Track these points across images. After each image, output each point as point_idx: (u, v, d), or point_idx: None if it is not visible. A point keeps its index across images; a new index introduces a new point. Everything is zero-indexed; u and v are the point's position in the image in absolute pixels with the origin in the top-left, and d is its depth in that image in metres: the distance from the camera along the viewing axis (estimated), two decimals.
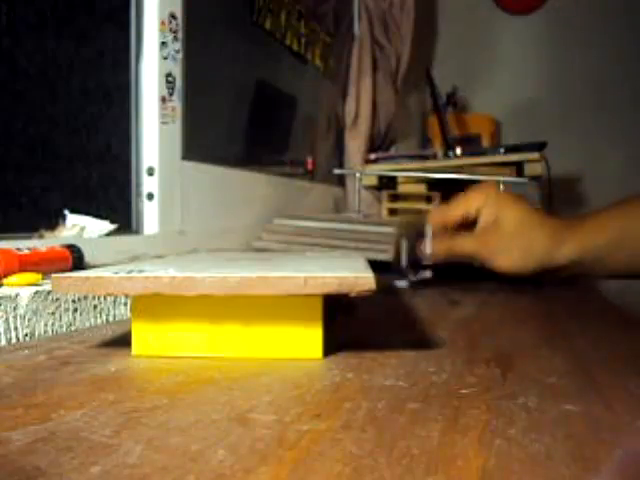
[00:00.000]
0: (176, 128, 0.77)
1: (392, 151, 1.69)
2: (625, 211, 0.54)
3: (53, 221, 0.60)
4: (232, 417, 0.23)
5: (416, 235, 0.61)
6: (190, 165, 0.80)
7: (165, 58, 0.74)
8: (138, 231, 0.73)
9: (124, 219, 0.71)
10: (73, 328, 0.44)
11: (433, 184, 1.24)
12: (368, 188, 1.39)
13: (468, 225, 0.60)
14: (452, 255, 0.59)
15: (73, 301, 0.45)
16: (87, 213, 0.63)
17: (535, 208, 0.61)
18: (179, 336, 0.33)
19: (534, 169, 1.21)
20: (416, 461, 0.19)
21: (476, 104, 2.14)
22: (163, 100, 0.74)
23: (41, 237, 0.58)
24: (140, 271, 0.32)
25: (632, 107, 1.99)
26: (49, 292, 0.42)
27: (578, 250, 0.53)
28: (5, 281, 0.43)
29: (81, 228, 0.61)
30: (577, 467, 0.18)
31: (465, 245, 0.58)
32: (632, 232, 0.53)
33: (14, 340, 0.40)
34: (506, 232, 0.56)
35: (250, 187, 0.99)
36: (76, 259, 0.51)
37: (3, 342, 0.39)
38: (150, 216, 0.74)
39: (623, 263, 0.54)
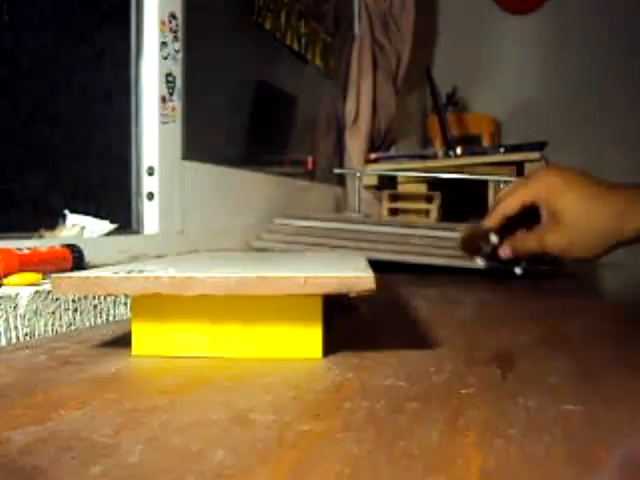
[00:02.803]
0: (176, 128, 0.77)
1: (392, 151, 1.69)
2: None
3: (53, 221, 0.60)
4: (232, 417, 0.23)
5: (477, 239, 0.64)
6: (190, 165, 0.80)
7: (165, 58, 0.74)
8: (138, 231, 0.73)
9: (124, 219, 0.71)
10: (73, 328, 0.44)
11: (434, 184, 1.24)
12: (368, 188, 1.39)
13: (529, 214, 0.60)
14: (520, 255, 0.61)
15: (73, 301, 0.45)
16: (87, 213, 0.63)
17: (597, 181, 0.59)
18: (179, 336, 0.33)
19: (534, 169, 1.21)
20: (416, 461, 0.19)
21: (476, 104, 2.14)
22: (163, 100, 0.74)
23: (41, 237, 0.58)
24: (140, 271, 0.32)
25: (632, 106, 1.99)
26: (49, 292, 0.42)
27: None
28: (5, 281, 0.43)
29: (81, 228, 0.61)
30: (577, 467, 0.18)
31: (530, 244, 0.59)
32: None
33: (14, 340, 0.40)
34: (569, 224, 0.55)
35: (250, 187, 0.99)
36: (76, 259, 0.51)
37: (3, 342, 0.39)
38: (150, 216, 0.74)
39: None
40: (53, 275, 0.32)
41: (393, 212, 1.25)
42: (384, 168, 1.31)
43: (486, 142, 1.89)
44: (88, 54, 0.67)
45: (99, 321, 0.47)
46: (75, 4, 0.65)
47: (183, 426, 0.22)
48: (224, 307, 0.33)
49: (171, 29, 0.75)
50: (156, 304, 0.33)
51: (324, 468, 0.18)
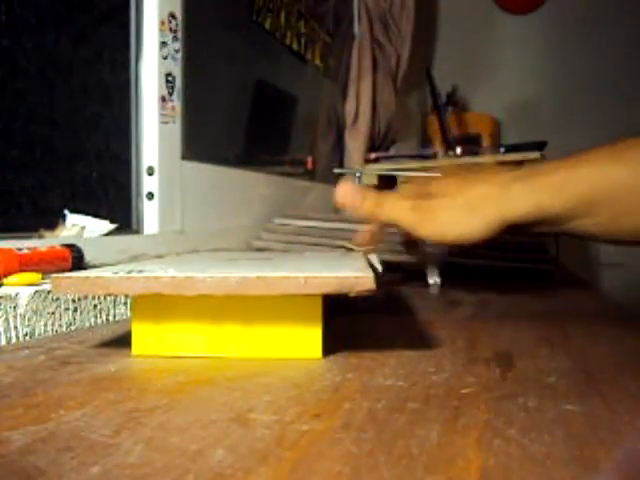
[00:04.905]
0: (176, 128, 0.77)
1: (392, 150, 1.69)
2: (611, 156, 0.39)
3: (53, 221, 0.60)
4: (232, 417, 0.23)
5: None
6: (190, 165, 0.80)
7: (165, 58, 0.74)
8: (138, 231, 0.73)
9: (124, 219, 0.71)
10: (73, 328, 0.44)
11: None
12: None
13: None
14: (377, 221, 0.49)
15: (73, 301, 0.45)
16: (87, 213, 0.63)
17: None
18: (179, 336, 0.33)
19: None
20: (416, 461, 0.19)
21: (476, 103, 2.14)
22: (163, 100, 0.74)
23: (41, 237, 0.58)
24: (140, 271, 0.32)
25: (632, 106, 1.99)
26: (49, 292, 0.42)
27: (534, 209, 0.40)
28: (5, 281, 0.43)
29: (81, 228, 0.61)
30: (577, 467, 0.18)
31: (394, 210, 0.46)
32: (618, 183, 0.37)
33: (14, 340, 0.40)
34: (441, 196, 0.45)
35: (250, 187, 0.99)
36: (76, 259, 0.51)
37: (3, 342, 0.39)
38: (150, 216, 0.74)
39: (608, 224, 0.39)
40: (53, 275, 0.32)
41: None
42: (384, 168, 1.31)
43: (486, 142, 1.90)
44: (88, 54, 0.67)
45: (99, 321, 0.47)
46: (75, 4, 0.65)
47: (183, 426, 0.22)
48: (224, 307, 0.33)
49: (171, 29, 0.75)
50: (156, 304, 0.33)
51: (324, 468, 0.18)
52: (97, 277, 0.31)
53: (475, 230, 0.42)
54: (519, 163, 1.21)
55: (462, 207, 0.43)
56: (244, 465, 0.18)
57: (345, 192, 0.46)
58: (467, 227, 0.42)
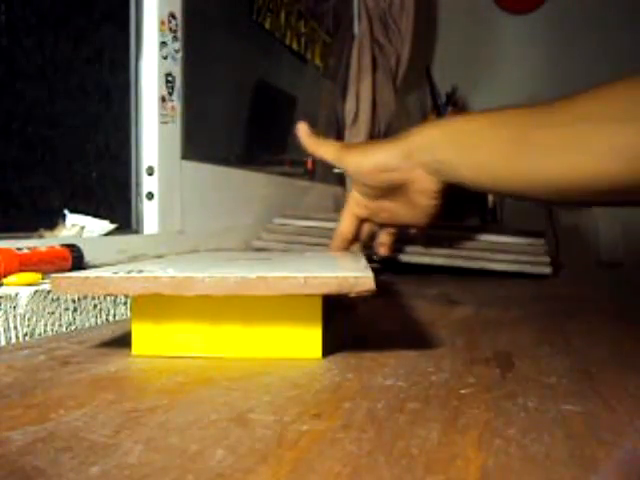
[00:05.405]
0: (176, 128, 0.77)
1: None
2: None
3: (53, 221, 0.60)
4: (231, 417, 0.23)
5: None
6: (190, 165, 0.80)
7: (165, 58, 0.74)
8: (138, 231, 0.73)
9: (124, 219, 0.71)
10: (73, 328, 0.44)
11: None
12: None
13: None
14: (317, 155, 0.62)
15: (73, 301, 0.45)
16: (87, 213, 0.63)
17: None
18: (179, 336, 0.33)
19: None
20: (415, 461, 0.19)
21: (476, 103, 2.14)
22: (163, 100, 0.74)
23: (41, 237, 0.58)
24: (139, 271, 0.32)
25: None
26: (49, 292, 0.42)
27: (432, 139, 0.50)
28: (5, 281, 0.43)
29: (81, 228, 0.61)
30: (577, 467, 0.18)
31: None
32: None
33: (14, 340, 0.39)
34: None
35: (250, 187, 0.99)
36: (76, 259, 0.51)
37: (3, 342, 0.39)
38: (150, 216, 0.74)
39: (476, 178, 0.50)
40: (53, 275, 0.32)
41: None
42: None
43: None
44: (87, 54, 0.67)
45: (99, 321, 0.47)
46: (74, 4, 0.65)
47: (182, 426, 0.22)
48: (224, 307, 0.33)
49: (171, 29, 0.75)
50: (156, 304, 0.33)
51: (324, 468, 0.18)
52: (97, 277, 0.31)
53: (388, 154, 0.51)
54: None
55: (381, 142, 0.54)
56: (244, 465, 0.18)
57: (301, 130, 0.61)
58: (382, 153, 0.51)
